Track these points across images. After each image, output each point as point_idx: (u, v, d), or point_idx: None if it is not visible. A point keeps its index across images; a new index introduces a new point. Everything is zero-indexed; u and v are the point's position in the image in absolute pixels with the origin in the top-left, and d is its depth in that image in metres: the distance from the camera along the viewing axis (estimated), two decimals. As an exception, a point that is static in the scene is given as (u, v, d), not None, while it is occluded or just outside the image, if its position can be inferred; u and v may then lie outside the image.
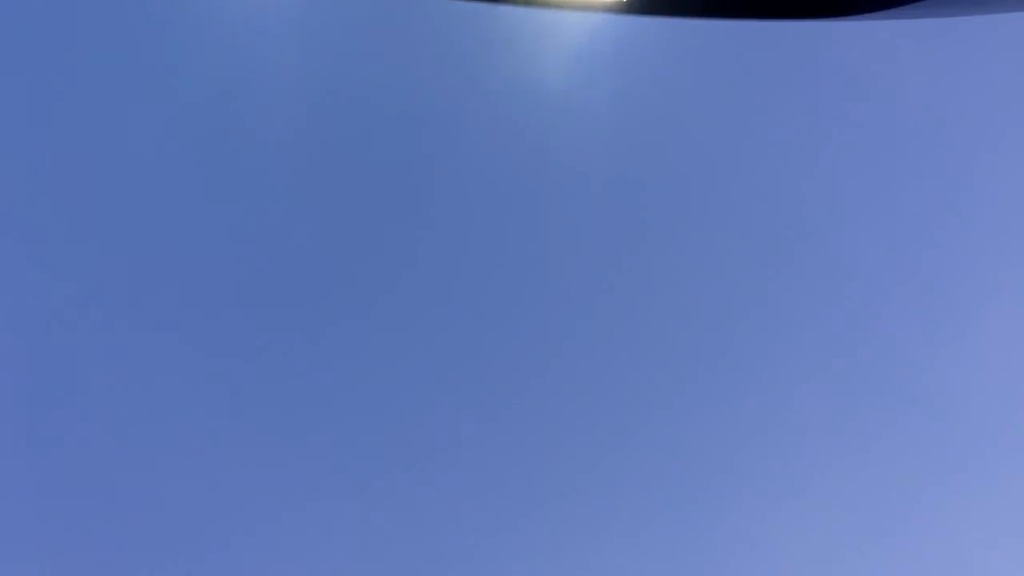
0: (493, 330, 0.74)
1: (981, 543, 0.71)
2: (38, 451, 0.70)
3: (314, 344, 0.73)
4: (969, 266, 0.77)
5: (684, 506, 0.70)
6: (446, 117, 0.80)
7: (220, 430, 0.70)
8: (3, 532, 0.69)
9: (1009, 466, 0.72)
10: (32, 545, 0.68)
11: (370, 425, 0.71)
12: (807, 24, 0.81)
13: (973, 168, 0.80)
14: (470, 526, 0.69)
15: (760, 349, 0.74)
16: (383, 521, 0.69)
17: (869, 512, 0.71)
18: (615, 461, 0.71)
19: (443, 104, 0.80)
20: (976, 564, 0.70)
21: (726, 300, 0.75)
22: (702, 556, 0.69)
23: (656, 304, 0.75)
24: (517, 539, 0.69)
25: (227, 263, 0.75)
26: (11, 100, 0.80)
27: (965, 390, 0.74)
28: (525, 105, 0.80)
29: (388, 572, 0.68)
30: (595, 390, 0.72)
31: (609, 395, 0.72)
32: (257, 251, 0.75)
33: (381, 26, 0.82)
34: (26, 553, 0.68)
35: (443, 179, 0.78)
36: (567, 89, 0.80)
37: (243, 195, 0.77)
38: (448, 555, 0.69)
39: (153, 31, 0.81)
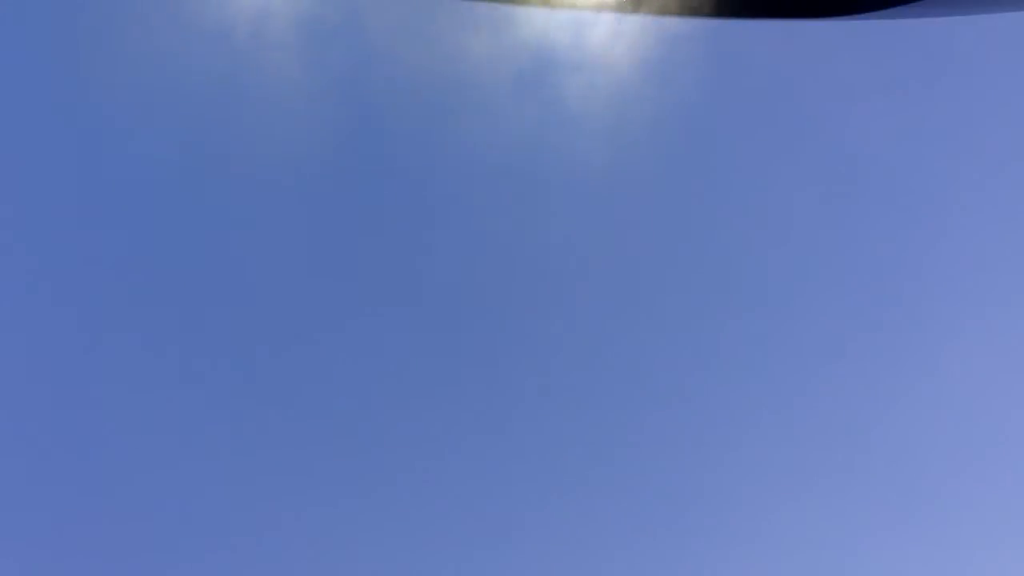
0: (494, 329, 0.74)
1: (981, 543, 0.71)
2: (38, 452, 0.70)
3: (316, 346, 0.73)
4: (970, 266, 0.77)
5: (683, 507, 0.70)
6: (445, 117, 0.80)
7: (219, 432, 0.70)
8: (3, 532, 0.69)
9: (1009, 467, 0.73)
10: (32, 545, 0.68)
11: (370, 428, 0.71)
12: (807, 24, 0.81)
13: (973, 168, 0.80)
14: (470, 528, 0.69)
15: (760, 349, 0.74)
16: (384, 523, 0.69)
17: (868, 513, 0.71)
18: (614, 463, 0.71)
19: (442, 104, 0.80)
20: (976, 564, 0.70)
21: (724, 300, 0.75)
22: (703, 556, 0.69)
23: (654, 304, 0.75)
24: (518, 540, 0.69)
25: (226, 262, 0.75)
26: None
27: (962, 391, 0.74)
28: (524, 104, 0.80)
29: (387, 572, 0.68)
30: (595, 392, 0.72)
31: (609, 397, 0.72)
32: (254, 251, 0.75)
33: (380, 25, 0.82)
34: (26, 552, 0.68)
35: (441, 179, 0.78)
36: (566, 89, 0.80)
37: (240, 194, 0.77)
38: (446, 556, 0.69)
39: (159, 26, 0.81)
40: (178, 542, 0.68)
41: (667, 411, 0.72)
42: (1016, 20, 0.81)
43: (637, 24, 0.82)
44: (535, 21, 0.82)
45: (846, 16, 0.82)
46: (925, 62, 0.81)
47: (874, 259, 0.77)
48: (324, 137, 0.80)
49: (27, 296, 0.74)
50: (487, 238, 0.76)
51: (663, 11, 0.82)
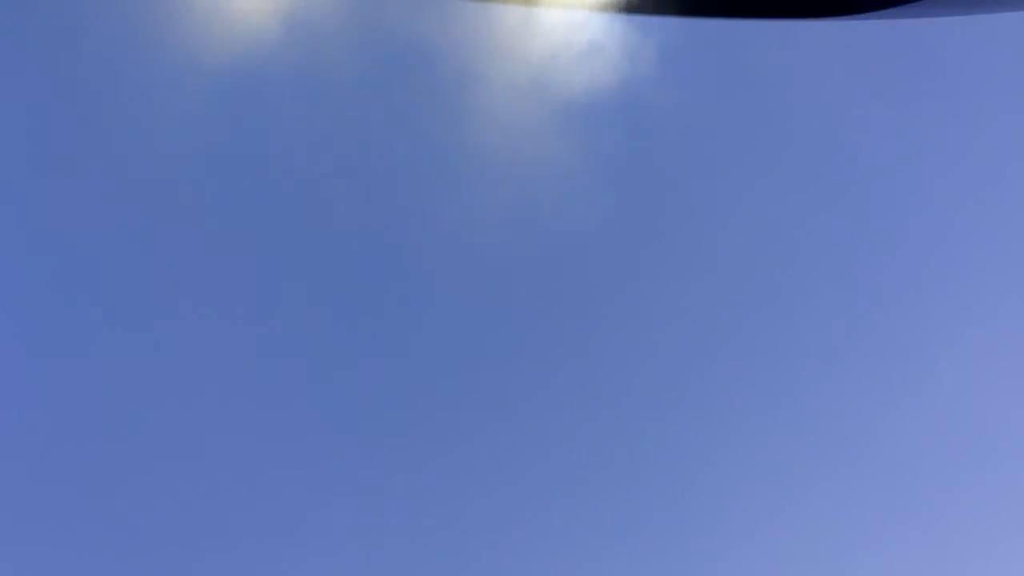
0: (491, 330, 0.74)
1: (981, 544, 0.71)
2: (38, 452, 0.70)
3: (316, 345, 0.73)
4: (970, 266, 0.77)
5: (682, 507, 0.71)
6: (444, 117, 0.80)
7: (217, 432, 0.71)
8: (3, 532, 0.69)
9: (1009, 467, 0.73)
10: (32, 545, 0.69)
11: (370, 427, 0.71)
12: (807, 24, 0.81)
13: (973, 168, 0.80)
14: (468, 528, 0.69)
15: (757, 350, 0.74)
16: (382, 523, 0.69)
17: (868, 513, 0.71)
18: (611, 465, 0.71)
19: (441, 104, 0.80)
20: (976, 565, 0.70)
21: (722, 301, 0.75)
22: (701, 556, 0.70)
23: (652, 303, 0.75)
24: (515, 541, 0.69)
25: (226, 263, 0.75)
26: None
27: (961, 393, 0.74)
28: (523, 105, 0.80)
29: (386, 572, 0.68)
30: (591, 392, 0.72)
31: (604, 397, 0.72)
32: (253, 252, 0.75)
33: (379, 25, 0.82)
34: (26, 552, 0.68)
35: (440, 179, 0.78)
36: (566, 89, 0.80)
37: (240, 196, 0.77)
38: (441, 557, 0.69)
39: (154, 25, 0.81)
40: (175, 542, 0.68)
41: (662, 411, 0.72)
42: (1016, 20, 0.81)
43: (637, 24, 0.82)
44: (535, 21, 0.82)
45: (846, 16, 0.82)
46: (925, 62, 0.81)
47: (874, 259, 0.77)
48: (323, 137, 0.80)
49: (28, 295, 0.74)
50: (487, 238, 0.76)
51: (663, 11, 0.82)
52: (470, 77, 0.81)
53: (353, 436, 0.71)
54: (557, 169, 0.79)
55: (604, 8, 0.82)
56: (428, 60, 0.81)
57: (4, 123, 0.79)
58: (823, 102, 0.81)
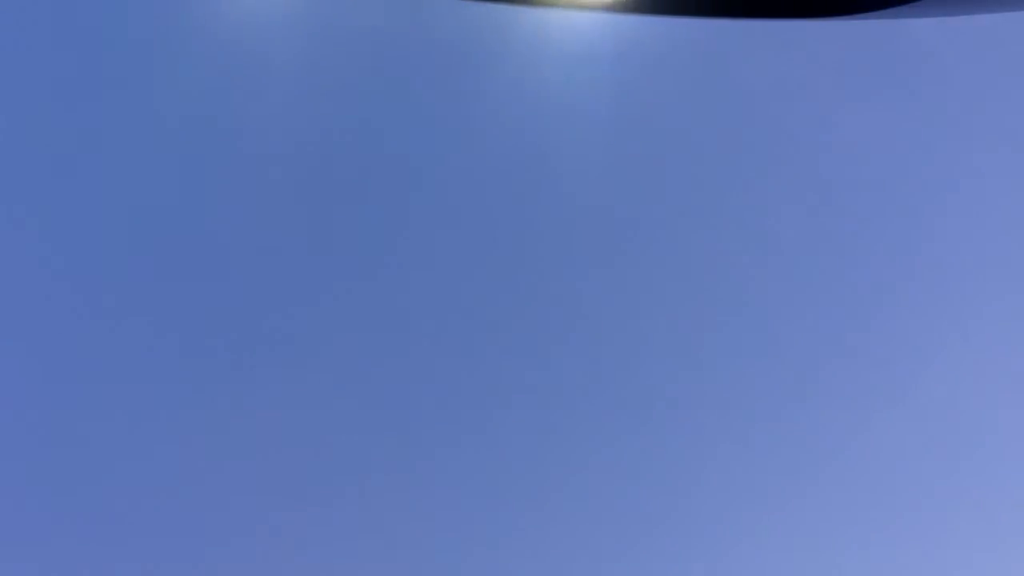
0: (489, 331, 0.74)
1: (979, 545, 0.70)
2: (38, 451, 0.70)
3: (311, 344, 0.73)
4: (969, 268, 0.77)
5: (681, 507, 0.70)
6: (443, 116, 0.80)
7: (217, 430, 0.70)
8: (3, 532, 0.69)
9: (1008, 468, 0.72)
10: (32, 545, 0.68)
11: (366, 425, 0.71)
12: (807, 24, 0.82)
13: (973, 168, 0.80)
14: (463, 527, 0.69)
15: (750, 353, 0.74)
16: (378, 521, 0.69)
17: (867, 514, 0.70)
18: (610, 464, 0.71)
19: (440, 103, 0.80)
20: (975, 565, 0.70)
21: (721, 301, 0.75)
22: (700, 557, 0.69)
23: (651, 304, 0.75)
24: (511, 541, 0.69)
25: (225, 262, 0.75)
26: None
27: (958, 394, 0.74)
28: (523, 104, 0.80)
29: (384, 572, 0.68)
30: (583, 395, 0.72)
31: (595, 401, 0.72)
32: (252, 251, 0.76)
33: (378, 25, 0.82)
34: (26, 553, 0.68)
35: (440, 179, 0.78)
36: (565, 89, 0.80)
37: (238, 196, 0.77)
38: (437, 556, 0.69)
39: (154, 27, 0.82)
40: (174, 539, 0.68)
41: (655, 414, 0.72)
42: (1016, 20, 0.82)
43: (637, 24, 0.82)
44: (535, 21, 0.82)
45: (846, 16, 0.82)
46: (925, 62, 0.81)
47: (872, 260, 0.77)
48: (321, 138, 0.80)
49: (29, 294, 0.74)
50: (485, 238, 0.76)
51: (663, 11, 0.82)
52: (470, 77, 0.81)
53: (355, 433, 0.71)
54: (554, 168, 0.79)
55: (604, 8, 0.83)
56: (428, 60, 0.82)
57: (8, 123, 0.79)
58: (822, 102, 0.81)
